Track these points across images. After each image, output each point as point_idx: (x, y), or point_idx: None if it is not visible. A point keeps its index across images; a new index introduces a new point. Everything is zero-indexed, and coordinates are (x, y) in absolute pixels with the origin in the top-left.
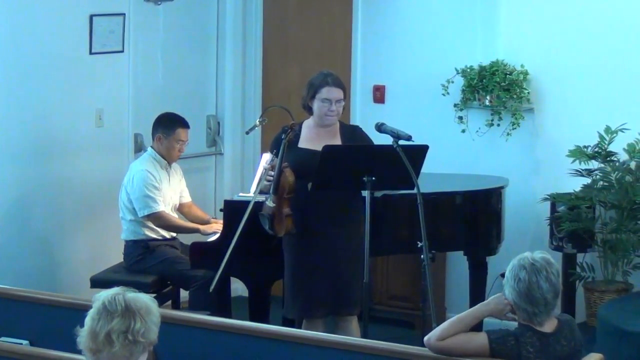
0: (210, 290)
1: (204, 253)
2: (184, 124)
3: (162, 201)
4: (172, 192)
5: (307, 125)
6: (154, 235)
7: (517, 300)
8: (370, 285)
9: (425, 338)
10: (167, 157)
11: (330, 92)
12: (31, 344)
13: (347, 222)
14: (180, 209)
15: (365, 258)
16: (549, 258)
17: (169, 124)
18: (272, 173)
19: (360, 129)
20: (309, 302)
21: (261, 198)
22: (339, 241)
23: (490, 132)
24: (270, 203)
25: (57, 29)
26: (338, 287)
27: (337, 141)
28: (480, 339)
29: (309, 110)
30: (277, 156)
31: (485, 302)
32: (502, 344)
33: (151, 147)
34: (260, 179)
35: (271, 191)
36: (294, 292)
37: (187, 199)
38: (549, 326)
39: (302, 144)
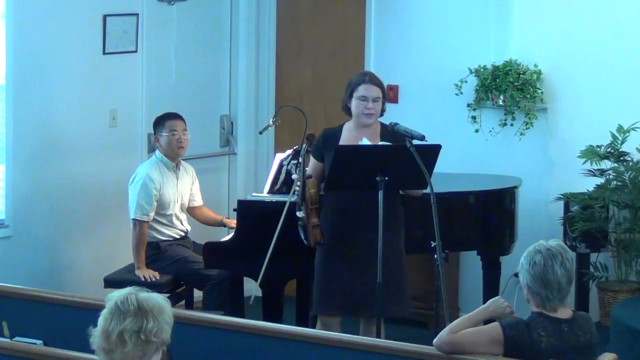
0: (258, 282)
1: (218, 253)
2: (174, 116)
3: (152, 211)
4: (179, 194)
5: (348, 128)
6: (163, 237)
7: (531, 284)
8: (381, 285)
9: (435, 339)
10: (171, 154)
11: (367, 90)
12: (45, 344)
13: (386, 229)
14: (191, 212)
15: (378, 258)
16: (564, 245)
17: (159, 122)
18: (300, 184)
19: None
20: (330, 300)
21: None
22: (376, 245)
23: (504, 132)
24: (300, 213)
25: (71, 29)
26: (366, 290)
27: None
28: (492, 327)
29: (348, 111)
30: (304, 153)
31: (484, 305)
32: (515, 329)
33: (157, 150)
34: (273, 180)
35: (299, 202)
36: (318, 289)
37: (198, 202)
38: (562, 313)
39: None
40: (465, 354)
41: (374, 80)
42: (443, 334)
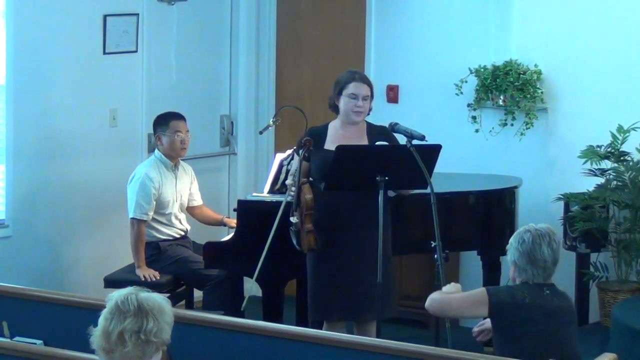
0: (254, 278)
1: (218, 253)
2: (178, 116)
3: (151, 210)
4: (178, 194)
5: (334, 126)
6: (163, 237)
7: (519, 261)
8: (382, 285)
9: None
10: (172, 154)
11: (357, 88)
12: (45, 344)
13: (375, 225)
14: (191, 211)
15: (379, 258)
16: (553, 228)
17: (162, 121)
18: (294, 189)
19: (388, 129)
20: (327, 305)
21: (289, 198)
22: (365, 244)
23: (504, 132)
24: (294, 219)
25: (71, 29)
26: (358, 292)
27: (364, 142)
28: (479, 291)
29: (335, 109)
30: (301, 159)
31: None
32: (498, 291)
33: (156, 149)
34: (273, 179)
35: (293, 207)
36: (314, 294)
37: (198, 202)
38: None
39: (328, 145)
40: (449, 316)
41: (364, 79)
42: (434, 293)
